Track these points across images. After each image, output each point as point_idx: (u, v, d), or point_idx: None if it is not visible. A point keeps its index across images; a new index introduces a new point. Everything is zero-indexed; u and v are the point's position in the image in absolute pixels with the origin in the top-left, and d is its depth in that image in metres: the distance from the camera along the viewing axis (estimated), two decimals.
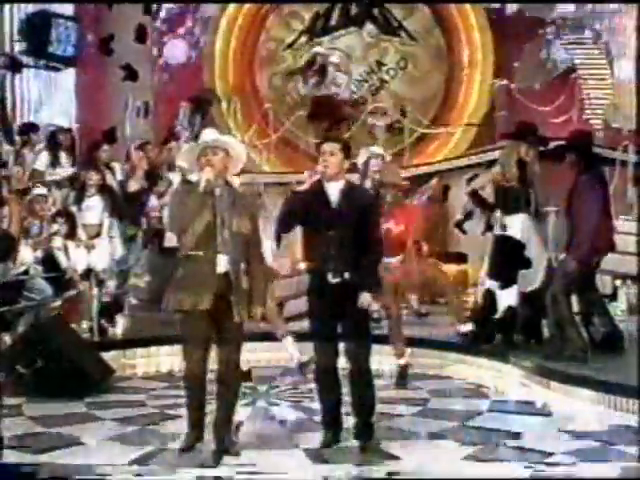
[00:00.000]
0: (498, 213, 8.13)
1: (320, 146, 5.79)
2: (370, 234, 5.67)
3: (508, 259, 8.00)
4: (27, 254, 8.57)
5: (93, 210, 9.31)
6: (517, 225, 7.98)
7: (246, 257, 5.67)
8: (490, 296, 8.09)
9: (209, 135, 5.82)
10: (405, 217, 7.80)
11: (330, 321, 5.67)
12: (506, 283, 7.95)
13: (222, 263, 5.58)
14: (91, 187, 9.34)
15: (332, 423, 5.80)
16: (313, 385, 6.13)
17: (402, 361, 7.73)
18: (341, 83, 14.08)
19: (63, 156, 10.32)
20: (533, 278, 7.98)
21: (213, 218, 5.56)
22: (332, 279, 5.57)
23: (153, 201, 10.22)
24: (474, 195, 8.62)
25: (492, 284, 8.08)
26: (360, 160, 9.08)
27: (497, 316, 8.02)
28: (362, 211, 5.66)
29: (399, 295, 7.87)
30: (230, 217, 5.59)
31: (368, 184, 8.53)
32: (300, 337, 8.64)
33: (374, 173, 8.64)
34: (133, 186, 10.14)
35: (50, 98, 12.98)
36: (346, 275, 5.58)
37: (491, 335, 8.10)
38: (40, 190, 9.12)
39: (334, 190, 5.65)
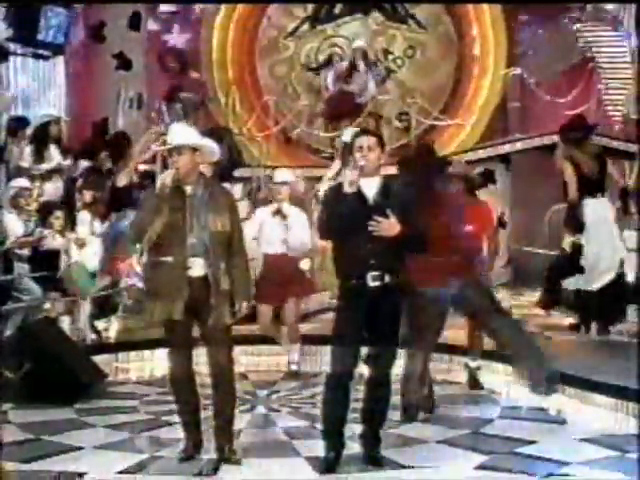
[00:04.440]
0: None
1: (354, 140, 5.65)
2: (410, 230, 5.48)
3: None
4: (17, 226, 8.64)
5: (83, 224, 9.37)
6: None
7: (228, 255, 5.63)
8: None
9: (172, 135, 5.72)
10: (477, 215, 7.07)
11: (360, 327, 5.56)
12: None
13: (197, 266, 5.55)
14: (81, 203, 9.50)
15: (336, 440, 5.64)
16: (315, 391, 6.12)
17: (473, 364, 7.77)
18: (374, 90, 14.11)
19: (51, 148, 10.36)
20: None
21: (183, 219, 5.52)
22: (372, 282, 5.48)
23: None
24: None
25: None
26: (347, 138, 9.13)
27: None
28: (402, 208, 5.51)
29: None
30: (206, 216, 5.54)
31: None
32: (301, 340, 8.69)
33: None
34: (122, 181, 10.16)
35: (38, 88, 12.98)
36: (387, 278, 5.51)
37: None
38: (24, 182, 9.17)
39: (370, 187, 5.52)
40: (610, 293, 8.76)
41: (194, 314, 5.60)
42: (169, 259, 5.55)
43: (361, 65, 13.94)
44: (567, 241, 9.15)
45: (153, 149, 11.13)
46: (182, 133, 5.74)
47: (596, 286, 8.79)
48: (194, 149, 5.62)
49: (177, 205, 5.54)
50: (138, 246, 6.16)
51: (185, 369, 5.78)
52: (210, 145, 5.84)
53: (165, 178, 5.57)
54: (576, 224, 8.87)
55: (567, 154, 8.96)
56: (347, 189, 5.44)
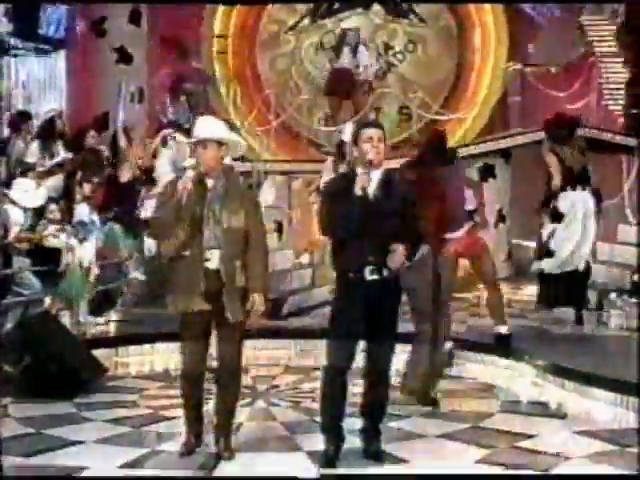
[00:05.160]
0: None
1: (361, 131, 5.60)
2: (407, 223, 5.49)
3: None
4: (19, 216, 8.62)
5: (81, 216, 9.35)
6: None
7: (243, 251, 5.56)
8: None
9: (199, 128, 5.66)
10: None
11: (357, 320, 5.52)
12: None
13: (214, 259, 5.51)
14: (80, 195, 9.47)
15: (335, 434, 5.63)
16: (315, 385, 6.10)
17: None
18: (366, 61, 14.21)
19: (58, 144, 10.33)
20: None
21: (201, 212, 5.47)
22: (369, 276, 5.45)
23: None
24: None
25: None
26: (346, 137, 9.12)
27: None
28: (401, 202, 5.50)
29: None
30: (220, 211, 5.50)
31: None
32: (301, 334, 8.70)
33: None
34: (124, 176, 10.14)
35: (39, 82, 12.96)
36: (385, 272, 5.47)
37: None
38: (27, 183, 9.15)
39: (371, 181, 5.48)
40: (572, 280, 9.05)
41: (211, 306, 5.54)
42: (187, 250, 5.52)
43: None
44: (547, 227, 9.24)
45: (155, 143, 11.15)
46: (209, 127, 5.67)
47: (554, 270, 9.03)
48: (219, 143, 5.58)
49: (197, 197, 5.49)
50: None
51: (199, 364, 5.71)
52: (237, 139, 5.82)
53: (186, 182, 5.48)
54: (555, 214, 9.02)
55: (551, 147, 9.08)
56: (358, 192, 5.39)
